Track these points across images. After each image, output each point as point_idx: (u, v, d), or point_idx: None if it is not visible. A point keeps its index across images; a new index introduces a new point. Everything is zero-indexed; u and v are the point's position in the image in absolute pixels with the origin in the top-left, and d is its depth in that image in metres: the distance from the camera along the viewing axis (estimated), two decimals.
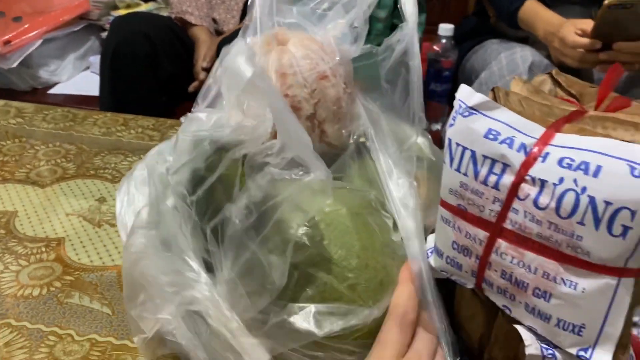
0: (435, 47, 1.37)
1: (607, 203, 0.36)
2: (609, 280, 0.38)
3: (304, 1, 0.60)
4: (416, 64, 0.54)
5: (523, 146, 0.40)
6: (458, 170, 0.44)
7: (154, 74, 1.36)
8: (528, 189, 0.39)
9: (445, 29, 1.36)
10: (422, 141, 0.67)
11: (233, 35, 1.33)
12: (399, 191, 0.50)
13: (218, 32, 1.53)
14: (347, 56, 0.59)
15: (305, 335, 0.40)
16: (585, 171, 0.37)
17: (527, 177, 0.40)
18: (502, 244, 0.42)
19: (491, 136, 0.42)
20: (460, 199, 0.44)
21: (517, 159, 0.40)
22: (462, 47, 1.44)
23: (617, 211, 0.36)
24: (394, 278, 0.46)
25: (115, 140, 1.01)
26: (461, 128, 0.44)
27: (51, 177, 0.88)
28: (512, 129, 0.42)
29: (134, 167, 0.61)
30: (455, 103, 0.45)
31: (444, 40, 1.36)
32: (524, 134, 0.41)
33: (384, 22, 1.22)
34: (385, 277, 0.45)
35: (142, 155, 0.66)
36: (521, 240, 0.40)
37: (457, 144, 0.44)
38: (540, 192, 0.39)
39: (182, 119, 0.53)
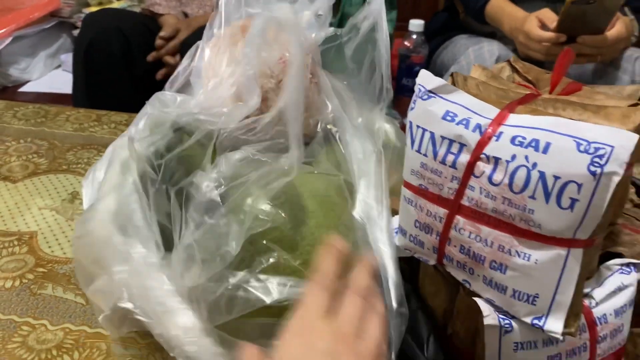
0: (406, 43, 1.39)
1: (556, 177, 0.38)
2: (559, 251, 0.40)
3: None
4: (383, 35, 0.56)
5: (478, 126, 0.42)
6: (419, 151, 0.46)
7: (128, 70, 1.36)
8: (483, 167, 0.42)
9: (416, 25, 1.38)
10: (388, 128, 0.69)
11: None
12: (362, 174, 0.51)
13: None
14: (314, 44, 0.60)
15: (253, 303, 0.42)
16: (536, 148, 0.39)
17: (482, 156, 0.42)
18: (460, 220, 0.44)
19: (449, 118, 0.44)
20: (421, 178, 0.46)
21: (472, 138, 0.42)
22: (433, 42, 1.47)
23: (565, 185, 0.38)
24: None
25: (88, 136, 1.01)
26: (421, 111, 0.46)
27: (23, 173, 0.88)
28: (468, 111, 0.44)
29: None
30: (416, 87, 0.47)
31: (414, 36, 1.38)
32: (480, 115, 0.43)
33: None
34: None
35: None
36: (478, 215, 0.42)
37: (417, 126, 0.46)
38: (494, 169, 0.41)
39: (147, 102, 0.54)
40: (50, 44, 1.82)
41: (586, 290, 0.46)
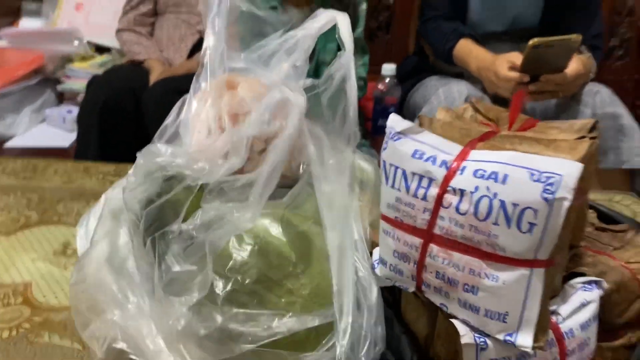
0: (380, 86, 1.46)
1: (515, 205, 0.43)
2: (523, 272, 0.44)
3: (251, 49, 0.67)
4: (352, 85, 0.61)
5: (444, 162, 0.47)
6: (393, 186, 0.50)
7: (140, 125, 1.43)
8: (450, 198, 0.46)
9: (388, 68, 1.45)
10: (367, 167, 0.74)
11: (182, 79, 1.40)
12: (334, 215, 0.55)
13: None
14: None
15: (239, 338, 0.45)
16: (495, 179, 0.44)
17: (449, 188, 0.46)
18: (433, 247, 0.48)
19: (417, 155, 0.49)
20: (397, 211, 0.50)
21: (439, 173, 0.47)
22: (405, 84, 1.54)
23: (523, 211, 0.43)
24: (327, 290, 0.50)
25: (77, 187, 1.04)
26: (392, 150, 0.51)
27: (14, 226, 0.90)
28: (434, 149, 0.49)
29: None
30: (387, 130, 0.52)
31: (387, 79, 1.45)
32: (445, 152, 0.48)
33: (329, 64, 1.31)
34: (322, 282, 0.50)
35: None
36: (449, 243, 0.47)
37: (390, 164, 0.51)
38: (460, 200, 0.46)
39: (138, 154, 0.58)
40: (35, 99, 1.86)
41: (553, 307, 0.50)
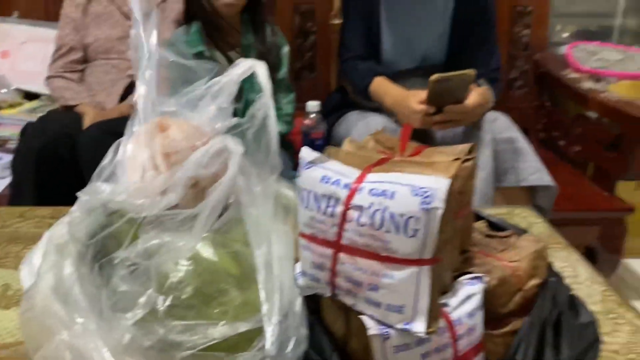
0: (306, 122, 1.58)
1: (401, 215, 0.53)
2: (413, 269, 0.54)
3: (180, 94, 0.75)
4: (271, 122, 0.70)
5: (346, 185, 0.57)
6: (307, 207, 0.59)
7: (77, 170, 1.44)
8: (352, 214, 0.56)
9: (313, 105, 1.57)
10: (289, 193, 0.83)
11: (115, 123, 1.44)
12: (261, 236, 0.63)
13: None
14: (219, 132, 0.74)
15: (179, 346, 0.52)
16: (385, 196, 0.54)
17: (350, 206, 0.56)
18: (342, 256, 0.57)
19: (325, 180, 0.58)
20: (312, 228, 0.59)
21: (343, 194, 0.57)
22: (330, 119, 1.67)
23: (407, 219, 0.53)
24: (256, 301, 0.58)
25: (13, 232, 1.06)
26: (305, 177, 0.60)
27: None
28: (338, 174, 0.58)
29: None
30: (300, 161, 0.62)
31: (312, 115, 1.56)
32: (347, 176, 0.58)
33: None
34: (251, 294, 0.58)
35: None
36: (354, 250, 0.56)
37: (304, 189, 0.60)
38: (360, 215, 0.55)
39: (79, 193, 0.64)
40: None
41: (444, 300, 0.60)
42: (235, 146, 0.62)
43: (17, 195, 1.43)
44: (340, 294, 0.59)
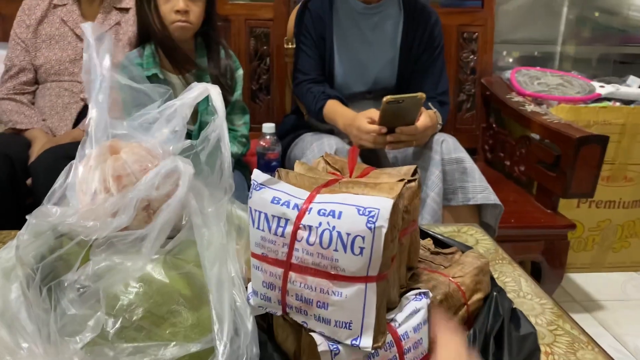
0: (262, 143, 1.59)
1: (348, 234, 0.56)
2: (360, 286, 0.56)
3: (133, 117, 0.76)
4: (225, 144, 0.71)
5: (296, 205, 0.59)
6: (258, 227, 0.61)
7: (13, 193, 1.39)
8: (302, 233, 0.58)
9: (268, 127, 1.59)
10: (243, 214, 0.84)
11: (61, 147, 1.41)
12: (213, 256, 0.64)
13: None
14: (172, 155, 0.74)
15: None
16: (333, 215, 0.56)
17: (300, 225, 0.58)
18: (292, 274, 0.59)
19: (275, 201, 0.60)
20: (263, 248, 0.61)
21: (293, 214, 0.59)
22: (285, 140, 1.69)
23: (354, 238, 0.55)
24: (207, 321, 0.59)
25: None
26: (256, 198, 0.62)
27: None
28: (288, 195, 0.60)
29: None
30: (252, 182, 0.63)
31: (268, 137, 1.59)
32: (296, 197, 0.60)
33: None
34: (203, 314, 0.59)
35: None
36: (303, 269, 0.58)
37: (255, 210, 0.61)
38: (309, 234, 0.57)
39: (28, 216, 0.64)
40: None
41: (391, 315, 0.62)
42: (185, 166, 0.64)
43: None
44: (291, 313, 0.61)
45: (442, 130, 1.58)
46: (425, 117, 1.43)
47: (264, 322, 0.67)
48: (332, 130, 1.61)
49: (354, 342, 0.57)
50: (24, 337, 0.54)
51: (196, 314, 0.59)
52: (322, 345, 0.57)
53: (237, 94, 1.62)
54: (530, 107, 1.91)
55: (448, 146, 1.46)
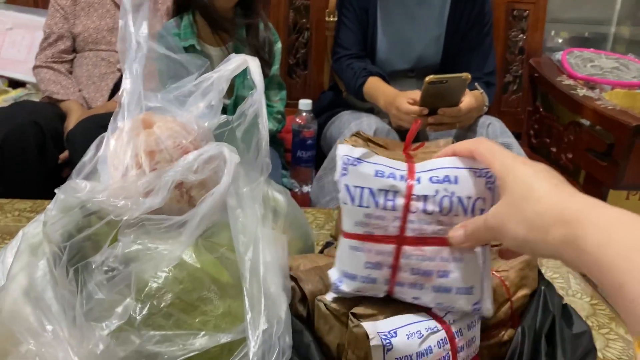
0: (297, 120, 1.55)
1: (469, 198, 0.54)
2: (479, 249, 0.56)
3: (168, 89, 0.72)
4: (263, 120, 0.67)
5: (402, 177, 0.56)
6: (361, 205, 0.56)
7: (42, 162, 1.40)
8: (416, 204, 0.55)
9: (305, 104, 1.54)
10: (279, 197, 0.80)
11: (100, 116, 1.40)
12: (247, 240, 0.60)
13: (88, 109, 1.60)
14: (207, 131, 0.71)
15: (156, 358, 0.49)
16: (449, 181, 0.55)
17: (413, 196, 0.55)
18: (406, 248, 0.56)
19: (379, 174, 0.56)
20: (366, 226, 0.56)
21: (402, 185, 0.56)
22: (321, 118, 1.64)
23: (475, 201, 0.54)
24: (239, 310, 0.55)
25: None
26: (355, 174, 0.57)
27: None
28: (389, 167, 0.57)
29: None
30: (342, 158, 0.57)
31: (304, 114, 1.54)
32: (398, 169, 0.57)
33: None
34: (234, 302, 0.56)
35: None
36: (421, 240, 0.55)
37: (355, 186, 0.57)
38: (425, 203, 0.55)
39: (57, 190, 0.61)
40: None
41: (444, 312, 0.58)
42: (231, 154, 0.59)
43: None
44: (400, 290, 0.57)
45: (487, 113, 1.51)
46: (470, 98, 1.36)
47: (304, 309, 0.63)
48: (372, 109, 1.55)
49: (475, 306, 0.57)
50: (48, 318, 0.52)
51: (227, 301, 0.55)
52: (374, 339, 0.53)
53: (275, 68, 1.57)
54: (582, 92, 1.80)
55: (494, 130, 1.38)
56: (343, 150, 0.58)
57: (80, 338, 0.49)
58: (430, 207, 0.54)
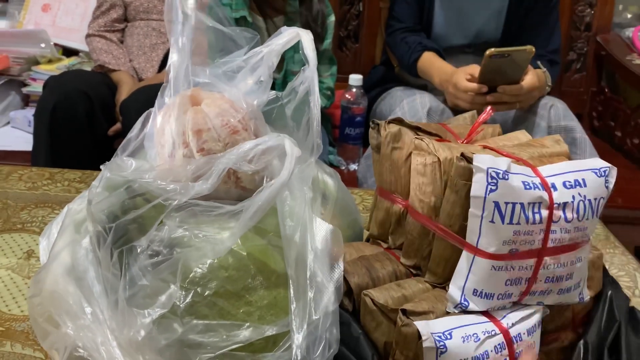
0: (347, 96, 1.50)
1: (596, 199, 0.54)
2: (586, 246, 0.57)
3: (216, 64, 0.69)
4: (315, 99, 0.63)
5: (540, 185, 0.53)
6: (511, 222, 0.52)
7: (91, 130, 1.41)
8: (557, 213, 0.53)
9: (355, 79, 1.49)
10: (329, 180, 0.76)
11: (154, 87, 1.40)
12: (295, 225, 0.57)
13: (138, 80, 1.61)
14: (256, 109, 0.67)
15: (199, 348, 0.47)
16: (580, 185, 0.54)
17: (554, 205, 0.53)
18: (547, 259, 0.54)
19: (528, 186, 0.52)
20: (513, 244, 0.53)
21: (545, 195, 0.53)
22: (372, 93, 1.58)
23: (599, 202, 0.55)
24: (284, 301, 0.53)
25: (41, 194, 1.04)
26: (506, 189, 0.52)
27: None
28: (525, 176, 0.53)
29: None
30: (485, 172, 0.52)
31: (354, 89, 1.49)
32: (528, 175, 0.54)
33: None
34: (280, 293, 0.53)
35: None
36: (558, 249, 0.54)
37: (506, 203, 0.52)
38: (564, 211, 0.53)
39: (102, 166, 0.59)
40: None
41: (502, 314, 0.54)
42: (292, 148, 0.55)
43: (34, 154, 1.41)
44: (528, 299, 0.56)
45: (549, 94, 1.41)
46: (533, 76, 1.27)
47: (350, 301, 0.60)
48: (426, 86, 1.48)
49: (580, 297, 0.57)
50: (89, 300, 0.50)
51: (273, 292, 0.53)
52: (428, 340, 0.50)
53: (327, 42, 1.52)
54: None
55: (557, 112, 1.30)
56: (485, 162, 0.52)
57: (121, 324, 0.47)
58: (570, 214, 0.53)
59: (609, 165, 0.56)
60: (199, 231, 0.51)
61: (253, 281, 0.52)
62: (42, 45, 1.87)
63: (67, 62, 1.88)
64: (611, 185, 0.56)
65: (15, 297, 0.76)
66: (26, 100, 1.88)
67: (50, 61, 1.87)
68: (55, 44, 1.90)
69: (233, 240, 0.51)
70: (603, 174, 0.55)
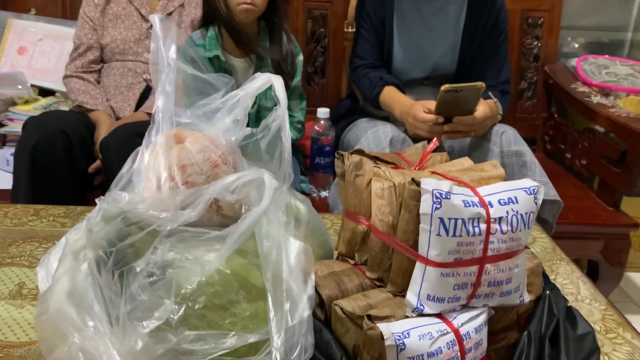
0: (316, 127, 1.60)
1: (527, 213, 0.64)
2: (522, 254, 0.66)
3: (196, 106, 0.77)
4: (286, 134, 0.71)
5: (479, 203, 0.63)
6: (454, 235, 0.62)
7: (71, 169, 1.46)
8: (494, 226, 0.62)
9: (323, 112, 1.59)
10: (300, 205, 0.84)
11: (132, 125, 1.46)
12: (271, 246, 0.65)
13: (115, 118, 1.66)
14: (234, 145, 0.76)
15: (191, 355, 0.54)
16: (514, 202, 0.63)
17: (491, 219, 0.62)
18: (487, 266, 0.63)
19: (467, 204, 0.62)
20: (457, 253, 0.62)
21: (483, 211, 0.62)
22: (339, 125, 1.69)
23: (529, 215, 0.64)
24: (264, 312, 0.60)
25: (28, 230, 1.09)
26: (448, 207, 0.61)
27: None
28: (465, 195, 0.63)
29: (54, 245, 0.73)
30: (430, 193, 0.61)
31: (322, 121, 1.59)
32: (470, 196, 0.63)
33: (270, 111, 1.43)
34: (260, 305, 0.61)
35: (57, 241, 0.75)
36: (497, 257, 0.63)
37: (449, 218, 0.61)
38: (500, 224, 0.62)
39: (97, 200, 0.67)
40: None
41: (453, 315, 0.63)
42: (271, 180, 0.65)
43: (15, 192, 1.45)
44: (475, 302, 0.65)
45: (503, 120, 1.54)
46: (485, 107, 1.39)
47: (322, 312, 0.68)
48: (388, 117, 1.59)
49: (521, 299, 0.67)
50: (90, 315, 0.57)
51: (254, 305, 0.61)
52: (389, 339, 0.58)
53: (297, 80, 1.62)
54: (597, 99, 1.82)
55: (508, 138, 1.41)
56: (430, 185, 0.62)
57: (122, 335, 0.54)
58: (505, 227, 0.63)
59: (537, 184, 0.67)
60: (188, 254, 0.59)
61: (237, 295, 0.60)
62: (20, 87, 1.92)
63: (43, 102, 1.93)
64: (539, 202, 0.66)
65: (11, 326, 0.81)
66: (3, 140, 1.92)
67: (27, 102, 1.93)
68: (32, 85, 1.95)
69: (220, 260, 0.59)
70: (532, 192, 0.65)
